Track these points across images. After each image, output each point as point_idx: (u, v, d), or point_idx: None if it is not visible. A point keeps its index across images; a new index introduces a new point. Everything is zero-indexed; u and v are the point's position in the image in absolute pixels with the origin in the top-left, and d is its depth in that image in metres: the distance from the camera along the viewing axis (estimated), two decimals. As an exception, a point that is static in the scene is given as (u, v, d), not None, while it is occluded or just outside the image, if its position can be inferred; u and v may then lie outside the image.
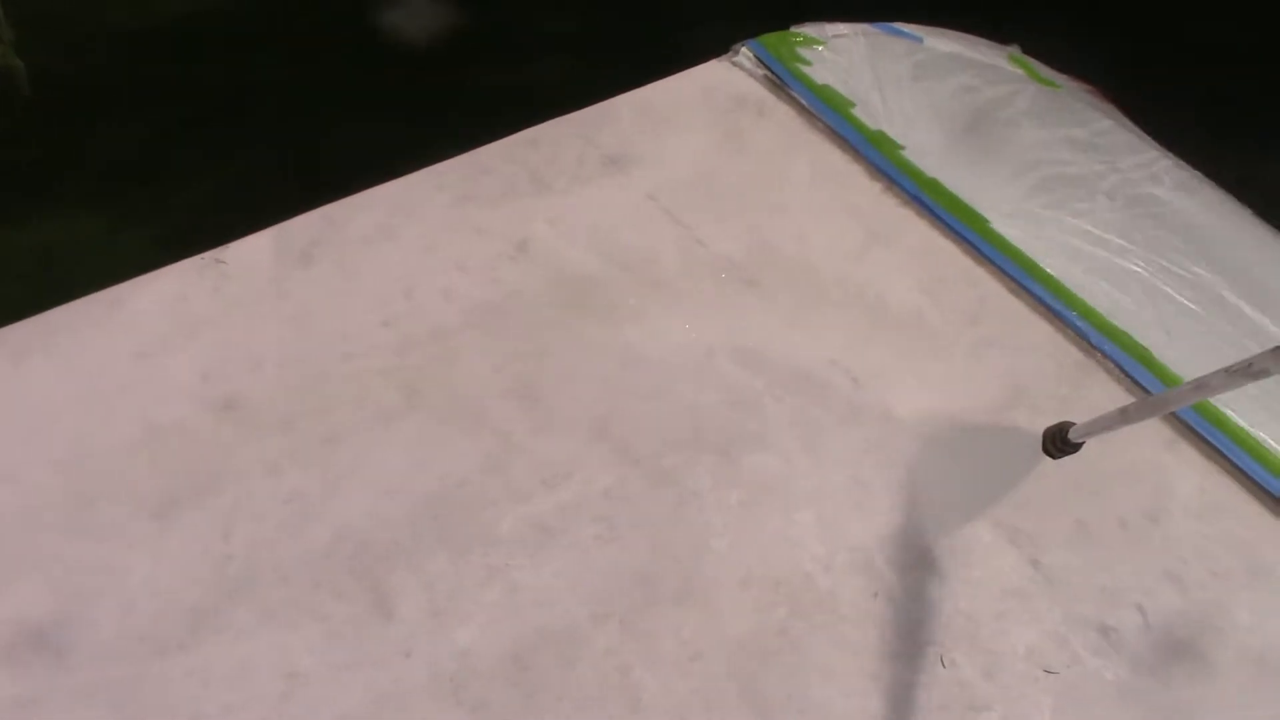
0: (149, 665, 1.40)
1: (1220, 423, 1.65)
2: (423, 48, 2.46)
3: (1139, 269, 1.87)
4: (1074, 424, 1.57)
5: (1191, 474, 1.61)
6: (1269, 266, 1.94)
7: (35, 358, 1.63)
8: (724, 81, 2.14)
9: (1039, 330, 1.76)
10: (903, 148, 2.01)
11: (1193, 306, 1.82)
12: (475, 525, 1.51)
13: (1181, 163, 2.16)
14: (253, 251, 1.85)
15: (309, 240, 1.86)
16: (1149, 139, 2.23)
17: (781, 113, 2.08)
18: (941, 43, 2.32)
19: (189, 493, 1.54)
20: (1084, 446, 1.58)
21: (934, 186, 1.94)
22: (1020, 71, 2.36)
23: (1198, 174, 2.14)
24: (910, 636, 1.42)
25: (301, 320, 1.73)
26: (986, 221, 1.90)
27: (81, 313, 1.74)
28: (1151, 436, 1.64)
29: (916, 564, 1.48)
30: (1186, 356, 1.72)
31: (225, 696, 1.37)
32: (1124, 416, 1.43)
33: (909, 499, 1.55)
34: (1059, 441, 1.58)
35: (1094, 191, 2.01)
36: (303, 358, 1.69)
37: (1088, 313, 1.77)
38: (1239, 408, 1.67)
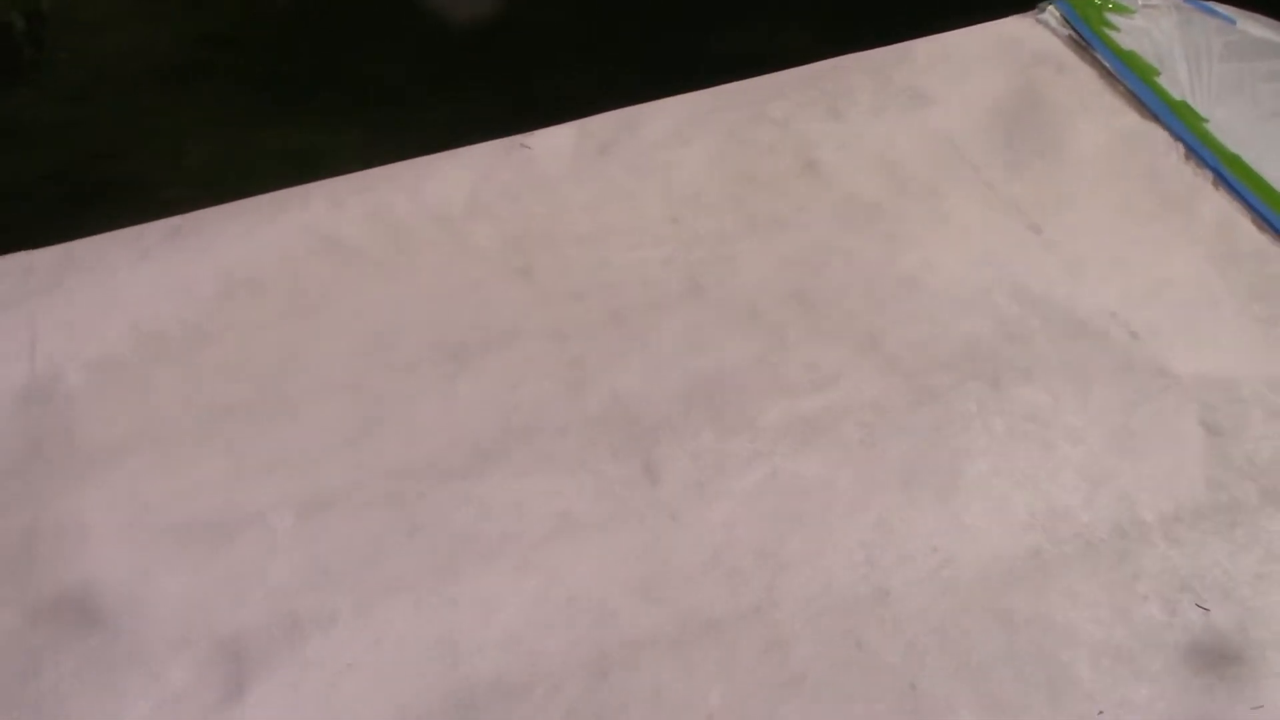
0: (434, 486, 1.52)
1: None
2: None
3: None
4: None
5: None
6: None
7: (350, 206, 1.77)
8: (1027, 36, 2.14)
9: (1331, 316, 1.71)
10: (1206, 120, 1.98)
11: None
12: (743, 411, 1.58)
13: None
14: (555, 141, 1.96)
15: (608, 137, 1.96)
16: None
17: (1083, 73, 2.07)
18: (1255, 27, 2.26)
19: (481, 344, 1.67)
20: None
21: (1235, 162, 1.91)
22: (1333, 65, 2.28)
23: None
24: (1163, 579, 1.42)
25: (597, 207, 1.84)
26: (1284, 199, 1.85)
27: (390, 176, 1.88)
28: None
29: (1177, 516, 1.48)
30: None
31: (501, 525, 1.48)
32: None
33: (1175, 454, 1.54)
34: None
35: None
36: (595, 239, 1.79)
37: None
38: None
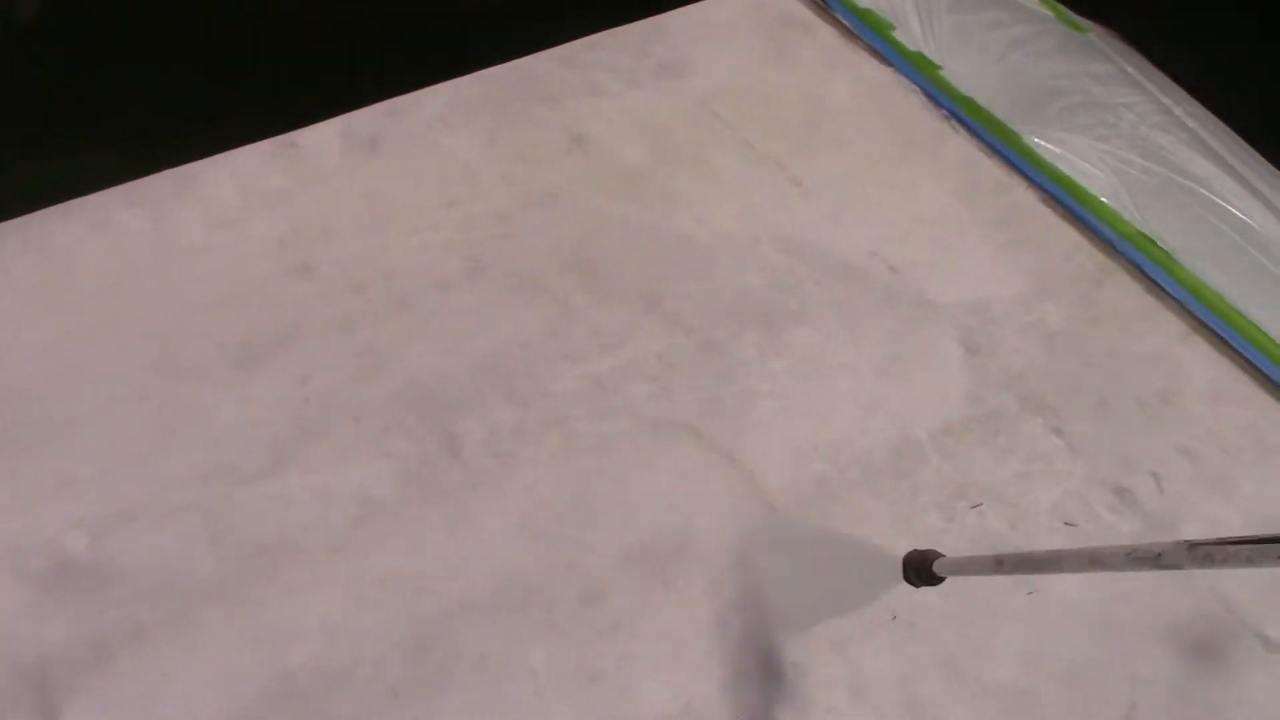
0: (234, 489, 1.50)
1: (1231, 319, 1.76)
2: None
3: (1159, 185, 1.98)
4: (941, 555, 1.41)
5: (1203, 365, 1.72)
6: (1273, 188, 2.06)
7: (126, 218, 1.73)
8: (772, 2, 2.24)
9: (1066, 235, 1.87)
10: (940, 68, 2.12)
11: (1210, 218, 1.93)
12: (536, 380, 1.62)
13: (1196, 101, 2.27)
14: (323, 136, 1.95)
15: (375, 129, 1.96)
16: (1170, 80, 2.33)
17: (825, 32, 2.18)
18: (977, -19, 2.42)
19: (269, 344, 1.65)
20: (1105, 336, 1.69)
21: (969, 104, 2.05)
22: (1049, 13, 2.46)
23: (1209, 113, 2.25)
24: (940, 490, 1.53)
25: (371, 198, 1.84)
26: (1019, 136, 2.00)
27: (157, 187, 1.84)
28: (1168, 328, 1.75)
29: (945, 429, 1.59)
30: (1204, 264, 1.83)
31: (304, 518, 1.48)
32: (998, 566, 1.26)
33: (939, 374, 1.66)
34: (923, 572, 1.41)
35: (1118, 119, 2.12)
36: (372, 230, 1.79)
37: (1112, 220, 1.88)
38: (1249, 306, 1.77)
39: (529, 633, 1.38)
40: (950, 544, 1.48)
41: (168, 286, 1.71)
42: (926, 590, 1.38)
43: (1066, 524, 1.52)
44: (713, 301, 1.72)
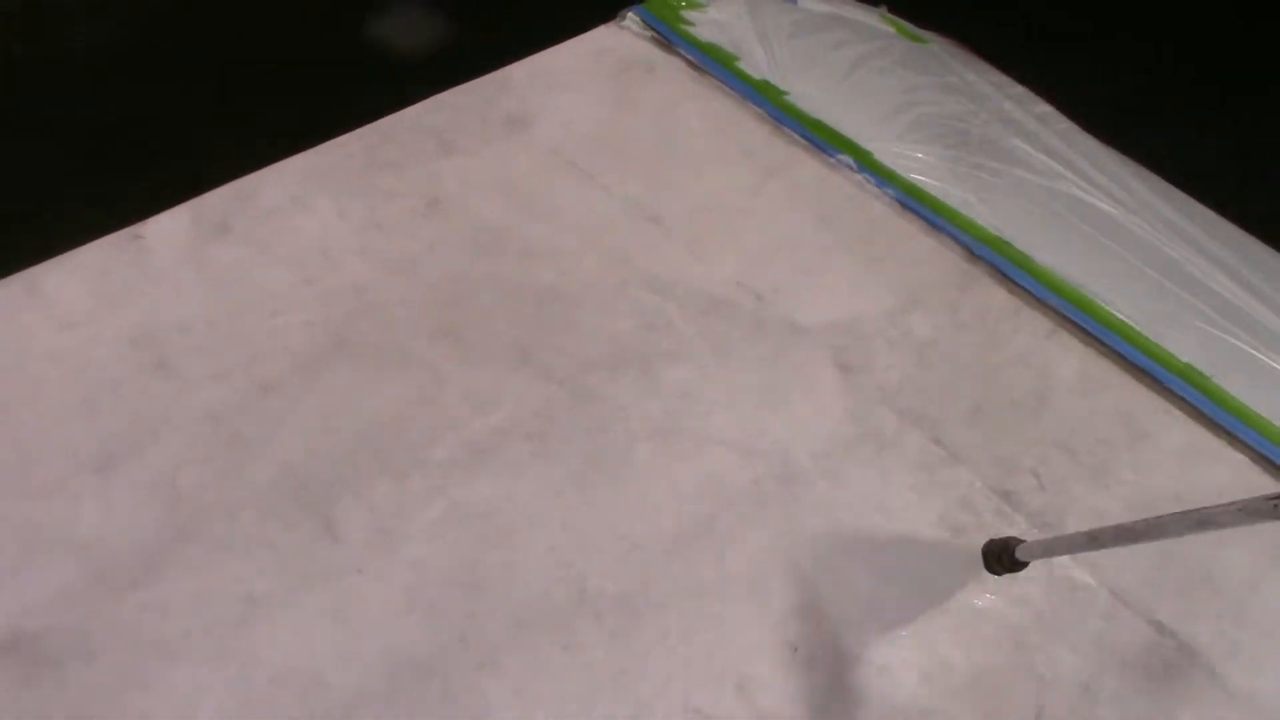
0: (106, 603, 1.44)
1: (1093, 311, 1.80)
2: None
3: (1011, 187, 2.02)
4: (1021, 541, 1.47)
5: (1072, 358, 1.75)
6: (1118, 179, 2.11)
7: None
8: (614, 45, 2.25)
9: (926, 245, 1.90)
10: (787, 93, 2.14)
11: (1063, 214, 1.97)
12: (412, 452, 1.58)
13: (1041, 100, 2.33)
14: (170, 226, 1.90)
15: (224, 213, 1.91)
16: (1013, 81, 2.39)
17: (671, 69, 2.19)
18: (815, 4, 2.46)
19: (130, 446, 1.59)
20: (974, 341, 1.71)
21: (819, 126, 2.08)
22: (890, 29, 2.52)
23: (1054, 110, 2.31)
24: (827, 514, 1.53)
25: (225, 284, 1.79)
26: (870, 154, 2.03)
27: (2, 290, 1.77)
28: (1033, 326, 1.78)
29: (827, 453, 1.59)
30: (1062, 259, 1.86)
31: (185, 624, 1.42)
32: (1092, 542, 1.29)
33: (817, 397, 1.66)
34: (1005, 559, 1.47)
35: (967, 126, 2.16)
36: (230, 317, 1.74)
37: (968, 226, 1.91)
38: (1111, 296, 1.81)
39: (428, 714, 1.34)
40: (840, 564, 1.48)
41: (15, 399, 1.64)
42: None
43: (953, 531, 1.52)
44: (585, 349, 1.71)
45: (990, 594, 1.49)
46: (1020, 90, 2.37)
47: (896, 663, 1.41)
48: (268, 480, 1.56)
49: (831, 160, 2.03)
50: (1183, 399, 1.70)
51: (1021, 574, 1.48)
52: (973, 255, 1.88)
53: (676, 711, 1.35)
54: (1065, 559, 1.51)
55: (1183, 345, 1.77)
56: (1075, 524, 1.55)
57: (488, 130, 2.07)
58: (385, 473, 1.57)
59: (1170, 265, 1.93)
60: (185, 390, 1.66)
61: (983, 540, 1.50)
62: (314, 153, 2.04)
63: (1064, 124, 2.25)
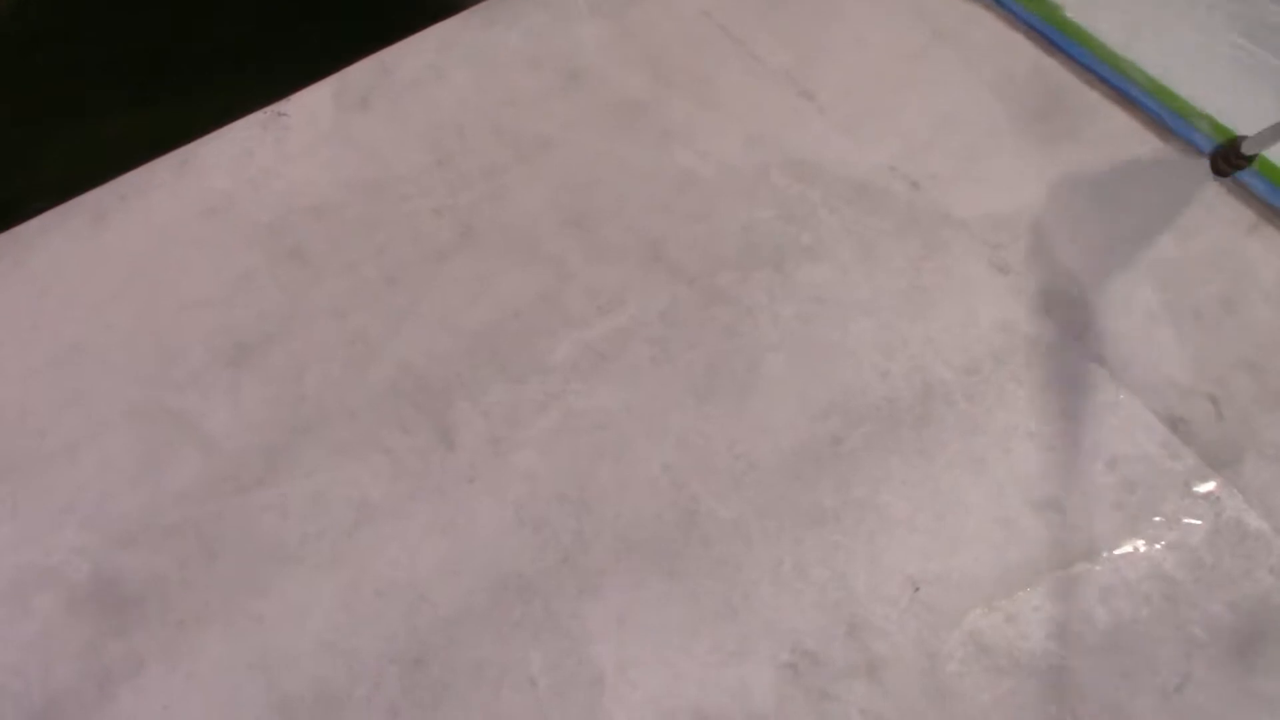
0: (230, 501, 1.46)
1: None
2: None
3: (1225, 54, 1.74)
4: (1244, 137, 1.47)
5: (1274, 259, 1.52)
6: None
7: (113, 219, 1.68)
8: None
9: (1114, 120, 1.67)
10: (970, -62, 1.90)
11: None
12: (531, 354, 1.52)
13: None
14: (313, 102, 1.86)
15: (366, 87, 1.86)
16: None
17: (840, -85, 1.97)
18: None
19: (261, 339, 1.59)
20: (1158, 234, 1.50)
21: (1003, -24, 1.83)
22: None
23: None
24: (966, 440, 1.39)
25: (360, 165, 1.75)
26: (1060, 9, 1.78)
27: (151, 175, 1.78)
28: (1233, 218, 1.55)
29: (972, 366, 1.44)
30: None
31: (301, 527, 1.43)
32: None
33: (967, 304, 1.50)
34: (1231, 157, 1.49)
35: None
36: (363, 201, 1.71)
37: (1168, 97, 1.66)
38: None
39: (527, 637, 1.32)
40: (974, 501, 1.35)
41: (160, 287, 1.66)
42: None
43: (1119, 474, 1.37)
44: (718, 244, 1.60)
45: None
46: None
47: (1027, 610, 1.29)
48: (387, 381, 1.54)
49: (1015, 20, 1.79)
50: None
51: (1185, 516, 1.32)
52: (1170, 132, 1.63)
53: (783, 652, 1.28)
54: (1240, 499, 1.34)
55: None
56: (1254, 462, 1.36)
57: (637, -10, 1.92)
58: (503, 375, 1.52)
59: None
60: (315, 281, 1.65)
61: (1142, 481, 1.34)
62: (456, 20, 1.95)
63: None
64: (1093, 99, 1.70)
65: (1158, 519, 1.33)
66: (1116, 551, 1.31)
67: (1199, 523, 1.33)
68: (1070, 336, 1.46)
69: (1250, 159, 1.42)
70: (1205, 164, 1.59)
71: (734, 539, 1.35)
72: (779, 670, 1.28)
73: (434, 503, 1.43)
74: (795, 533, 1.35)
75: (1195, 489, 1.35)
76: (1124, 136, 1.66)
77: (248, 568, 1.42)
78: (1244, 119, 1.62)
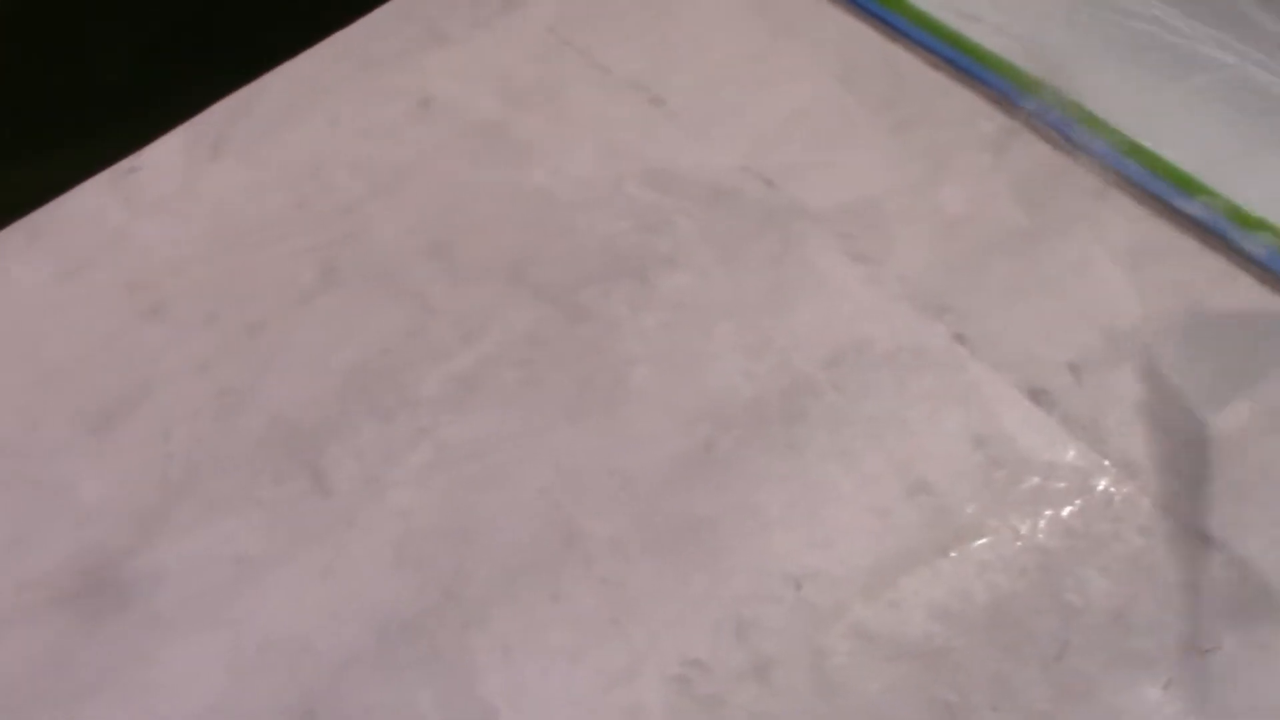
0: (103, 571, 1.44)
1: (1155, 165, 1.58)
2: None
3: (1065, 22, 1.77)
4: None
5: (1123, 222, 1.55)
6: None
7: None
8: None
9: (962, 100, 1.69)
10: (808, -68, 1.91)
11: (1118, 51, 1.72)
12: (399, 391, 1.51)
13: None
14: (164, 155, 1.83)
15: (217, 134, 1.83)
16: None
17: (676, -81, 1.98)
18: None
19: (124, 403, 1.56)
20: (1010, 210, 1.54)
21: (841, -33, 1.85)
22: None
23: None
24: (834, 431, 1.40)
25: (216, 216, 1.73)
26: (903, -4, 1.80)
27: (2, 243, 1.74)
28: (1080, 186, 1.58)
29: (835, 358, 1.45)
30: (1121, 104, 1.63)
31: (179, 591, 1.41)
32: None
33: (827, 296, 1.51)
34: None
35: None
36: (221, 252, 1.69)
37: (1010, 73, 1.68)
38: (1173, 143, 1.59)
39: (415, 676, 1.31)
40: (848, 492, 1.36)
41: (17, 358, 1.63)
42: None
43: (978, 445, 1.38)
44: (579, 260, 1.60)
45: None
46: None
47: (908, 596, 1.30)
48: (257, 431, 1.52)
49: (861, 10, 1.80)
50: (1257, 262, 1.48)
51: (1053, 485, 1.34)
52: (1014, 106, 1.66)
53: (671, 664, 1.28)
54: (1105, 463, 1.36)
55: (1259, 193, 1.54)
56: (1115, 424, 1.39)
57: (480, 12, 1.92)
58: (373, 414, 1.51)
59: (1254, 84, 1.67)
60: (177, 337, 1.62)
61: (1009, 457, 1.36)
62: (306, 57, 1.93)
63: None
64: (939, 81, 1.72)
65: (1026, 491, 1.35)
66: (989, 528, 1.33)
67: (1066, 490, 1.35)
68: (929, 318, 1.48)
69: None
70: (1045, 139, 1.61)
71: (615, 556, 1.35)
72: (669, 683, 1.27)
73: (312, 550, 1.41)
74: (674, 543, 1.35)
75: (1060, 458, 1.37)
76: (971, 114, 1.69)
77: (129, 637, 1.39)
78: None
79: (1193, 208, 1.54)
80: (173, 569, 1.43)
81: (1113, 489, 1.35)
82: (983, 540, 1.33)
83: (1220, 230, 1.52)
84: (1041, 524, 1.34)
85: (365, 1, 1.99)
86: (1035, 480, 1.36)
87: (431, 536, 1.40)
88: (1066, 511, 1.34)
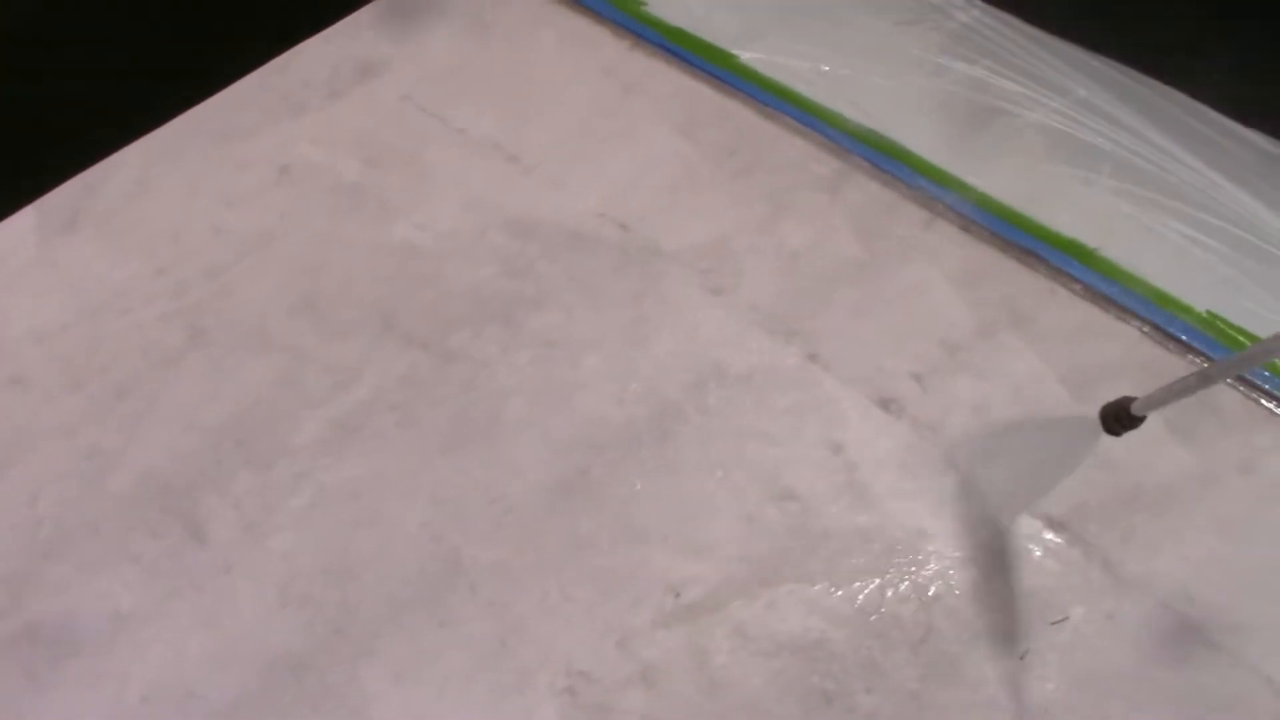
0: (-27, 640, 1.40)
1: (976, 198, 1.73)
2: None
3: (880, 81, 1.93)
4: (1134, 399, 1.45)
5: (951, 248, 1.68)
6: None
7: None
8: (464, -26, 2.14)
9: (794, 148, 1.81)
10: (644, 4, 2.04)
11: (940, 95, 1.88)
12: (275, 440, 1.53)
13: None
14: (14, 232, 1.82)
15: (70, 209, 1.83)
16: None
17: (525, -8, 2.09)
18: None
19: (-10, 468, 1.53)
20: (847, 243, 1.65)
21: (680, 35, 1.98)
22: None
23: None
24: (702, 448, 1.48)
25: (76, 285, 1.72)
26: (734, 56, 1.94)
27: None
28: (909, 218, 1.71)
29: (698, 382, 1.54)
30: (938, 146, 1.79)
31: (56, 649, 1.38)
32: (1204, 381, 1.29)
33: (686, 326, 1.60)
34: (1123, 418, 1.45)
35: (837, 20, 2.06)
36: (82, 321, 1.68)
37: (836, 121, 1.82)
38: (991, 179, 1.74)
39: (306, 711, 1.31)
40: (719, 504, 1.44)
41: None
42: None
43: (833, 453, 1.48)
44: (447, 307, 1.65)
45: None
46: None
47: (782, 596, 1.37)
48: (128, 489, 1.51)
49: (696, 70, 1.93)
50: (1070, 276, 1.63)
51: (905, 483, 1.44)
52: (844, 151, 1.79)
53: (559, 677, 1.32)
54: (939, 457, 1.47)
55: (1068, 218, 1.69)
56: (957, 422, 1.50)
57: (338, 84, 1.98)
58: (249, 464, 1.52)
59: (1051, 130, 1.84)
60: (41, 405, 1.60)
61: (865, 460, 1.45)
62: (162, 132, 1.95)
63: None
64: (772, 130, 1.85)
65: (882, 491, 1.45)
66: (853, 526, 1.42)
67: (920, 487, 1.45)
68: (781, 341, 1.58)
69: (1141, 419, 1.45)
70: (874, 178, 1.75)
71: (499, 579, 1.39)
72: (558, 695, 1.31)
73: (191, 599, 1.41)
74: (557, 563, 1.40)
75: (910, 458, 1.47)
76: (805, 159, 1.81)
77: (7, 705, 1.36)
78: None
79: (1010, 232, 1.68)
80: (45, 629, 1.41)
81: (962, 482, 1.45)
82: (847, 537, 1.41)
83: (1036, 250, 1.67)
84: (900, 518, 1.43)
85: (223, 77, 2.03)
86: (888, 478, 1.46)
87: (315, 576, 1.41)
88: (922, 506, 1.44)
